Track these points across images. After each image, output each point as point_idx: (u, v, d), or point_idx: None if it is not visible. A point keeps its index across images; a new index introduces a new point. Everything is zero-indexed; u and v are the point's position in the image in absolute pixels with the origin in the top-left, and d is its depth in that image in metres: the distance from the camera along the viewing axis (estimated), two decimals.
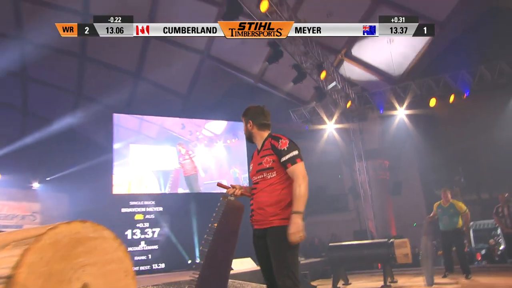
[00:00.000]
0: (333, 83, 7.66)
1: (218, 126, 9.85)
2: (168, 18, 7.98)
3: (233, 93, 9.78)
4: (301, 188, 2.02)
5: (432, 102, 7.81)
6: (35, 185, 9.91)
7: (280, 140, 2.14)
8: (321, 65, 7.19)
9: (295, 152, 2.09)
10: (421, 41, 7.50)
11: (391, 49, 7.67)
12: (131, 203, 8.98)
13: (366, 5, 7.27)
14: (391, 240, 5.49)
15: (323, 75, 7.31)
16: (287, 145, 2.11)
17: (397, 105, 8.21)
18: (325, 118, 8.88)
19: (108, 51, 8.76)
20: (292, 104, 9.52)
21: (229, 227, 2.29)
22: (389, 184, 8.79)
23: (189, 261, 9.14)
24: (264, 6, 6.03)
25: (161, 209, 9.10)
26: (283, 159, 2.08)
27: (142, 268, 8.68)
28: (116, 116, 8.94)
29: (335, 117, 8.84)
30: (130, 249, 8.67)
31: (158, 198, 9.09)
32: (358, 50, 8.07)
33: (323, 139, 9.11)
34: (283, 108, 9.36)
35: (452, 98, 7.73)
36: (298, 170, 2.06)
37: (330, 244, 6.68)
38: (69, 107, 10.44)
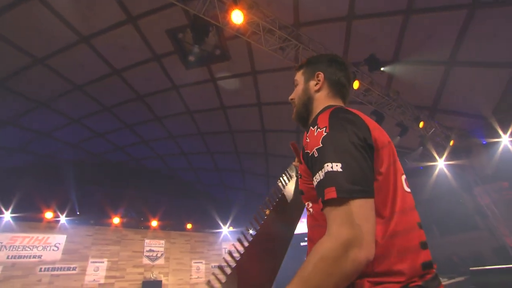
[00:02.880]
0: (433, 129, 7.73)
1: None
2: None
3: None
4: (321, 251, 0.60)
5: None
6: (251, 231, 11.59)
7: (311, 128, 0.77)
8: (419, 118, 7.26)
9: (329, 167, 0.65)
10: (498, 85, 6.89)
11: (474, 95, 7.20)
12: (306, 238, 10.18)
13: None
14: None
15: (421, 124, 7.34)
16: (321, 141, 0.70)
17: (501, 133, 7.39)
18: (436, 156, 8.40)
19: (278, 146, 10.84)
20: (404, 153, 9.21)
21: (286, 219, 1.13)
22: None
23: None
24: (355, 85, 6.08)
25: None
26: (315, 180, 0.70)
27: None
28: None
29: (444, 155, 8.30)
30: None
31: None
32: (446, 103, 7.76)
33: (434, 174, 8.55)
34: (398, 156, 9.14)
35: None
36: (334, 215, 0.63)
37: (473, 268, 5.05)
38: (263, 183, 12.70)
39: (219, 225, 10.90)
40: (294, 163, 1.33)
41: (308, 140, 0.75)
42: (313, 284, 0.57)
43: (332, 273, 0.57)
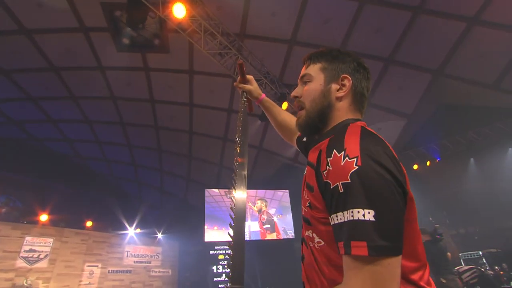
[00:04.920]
0: None
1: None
2: None
3: (280, 171, 10.65)
4: None
5: (415, 166, 8.31)
6: (159, 235, 10.74)
7: (340, 153, 0.60)
8: None
9: (365, 213, 0.53)
10: (397, 128, 8.12)
11: (380, 134, 8.54)
12: (216, 247, 9.94)
13: None
14: None
15: None
16: (350, 177, 0.55)
17: None
18: None
19: (204, 151, 10.39)
20: None
21: None
22: None
23: None
24: (284, 106, 6.17)
25: None
26: (333, 219, 0.58)
27: None
28: (207, 191, 10.70)
29: None
30: (215, 279, 9.67)
31: None
32: None
33: None
34: None
35: (428, 163, 8.17)
36: (357, 271, 0.53)
37: None
38: (183, 186, 12.24)
39: (125, 225, 9.86)
40: (235, 83, 1.25)
41: (331, 168, 0.59)
42: None
43: None
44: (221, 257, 9.93)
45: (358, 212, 0.53)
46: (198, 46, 4.83)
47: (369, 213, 0.52)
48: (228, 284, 0.66)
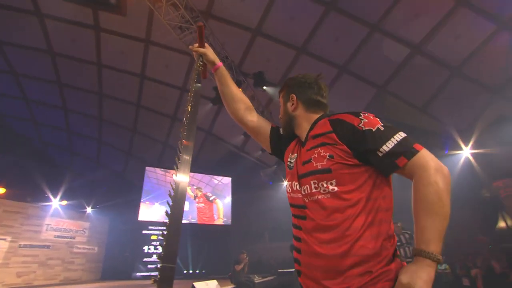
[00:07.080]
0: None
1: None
2: None
3: (227, 158, 10.47)
4: (439, 190, 0.74)
5: None
6: (88, 209, 9.90)
7: (360, 116, 0.86)
8: None
9: (403, 135, 0.82)
10: None
11: None
12: (149, 227, 9.60)
13: None
14: None
15: None
16: (381, 124, 0.84)
17: None
18: (282, 178, 9.68)
19: (150, 127, 9.79)
20: (261, 166, 10.08)
21: None
22: None
23: (184, 271, 9.48)
24: None
25: None
26: (384, 149, 0.80)
27: (153, 273, 9.05)
28: (148, 169, 10.20)
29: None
30: (145, 259, 9.32)
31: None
32: None
33: (280, 190, 9.87)
34: (256, 168, 10.11)
35: None
36: (427, 159, 0.78)
37: (280, 270, 6.40)
38: (121, 160, 11.46)
39: (48, 196, 8.74)
40: (191, 46, 1.32)
41: (367, 121, 0.85)
42: (448, 204, 0.76)
43: (449, 191, 0.77)
44: (154, 237, 9.57)
45: (401, 133, 0.83)
46: (158, 14, 4.44)
47: (403, 132, 0.83)
48: (160, 264, 0.71)
